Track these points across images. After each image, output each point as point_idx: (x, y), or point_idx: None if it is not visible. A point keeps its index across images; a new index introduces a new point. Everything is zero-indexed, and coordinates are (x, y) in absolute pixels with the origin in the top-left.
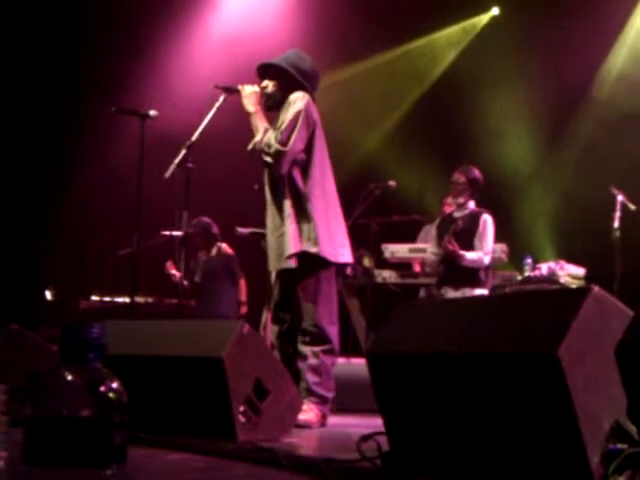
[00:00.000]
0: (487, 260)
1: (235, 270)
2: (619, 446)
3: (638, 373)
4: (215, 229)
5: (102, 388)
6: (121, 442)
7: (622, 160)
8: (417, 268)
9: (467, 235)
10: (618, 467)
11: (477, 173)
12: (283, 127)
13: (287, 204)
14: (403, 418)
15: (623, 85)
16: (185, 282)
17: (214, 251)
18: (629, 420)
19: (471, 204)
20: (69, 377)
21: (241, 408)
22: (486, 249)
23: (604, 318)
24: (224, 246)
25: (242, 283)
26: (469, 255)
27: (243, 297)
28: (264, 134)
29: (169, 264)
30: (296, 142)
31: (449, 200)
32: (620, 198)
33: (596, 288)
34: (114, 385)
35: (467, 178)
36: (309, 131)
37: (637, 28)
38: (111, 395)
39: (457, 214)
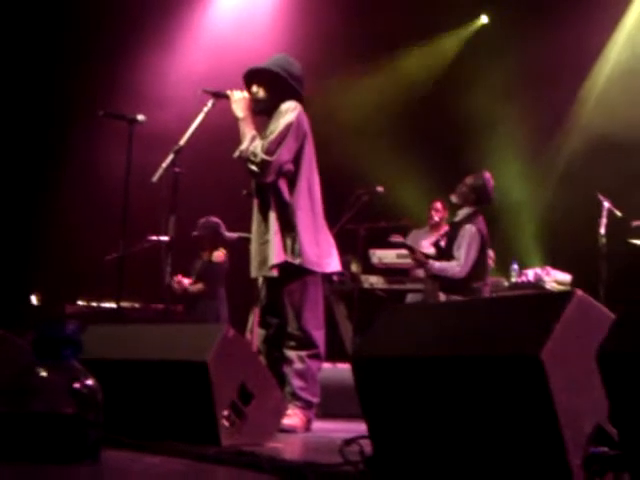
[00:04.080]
0: (458, 270)
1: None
2: (600, 449)
3: (619, 376)
4: (223, 229)
5: (77, 385)
6: (95, 439)
7: (608, 167)
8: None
9: (449, 243)
10: (599, 470)
11: (483, 181)
12: (272, 137)
13: (272, 214)
14: (386, 422)
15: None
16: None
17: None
18: (610, 423)
19: (466, 210)
20: (43, 374)
21: (225, 412)
22: (461, 259)
23: (587, 322)
24: (216, 253)
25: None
26: (437, 264)
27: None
28: (251, 142)
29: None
30: (283, 153)
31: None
32: (606, 205)
33: (579, 292)
34: (89, 382)
35: (470, 183)
36: (298, 143)
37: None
38: (86, 392)
39: (456, 219)
